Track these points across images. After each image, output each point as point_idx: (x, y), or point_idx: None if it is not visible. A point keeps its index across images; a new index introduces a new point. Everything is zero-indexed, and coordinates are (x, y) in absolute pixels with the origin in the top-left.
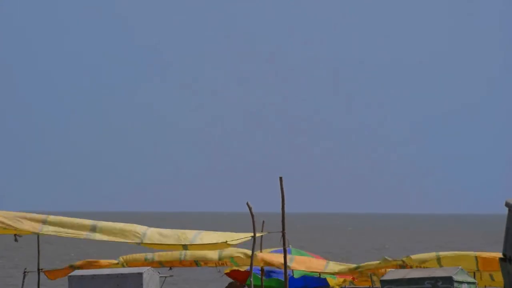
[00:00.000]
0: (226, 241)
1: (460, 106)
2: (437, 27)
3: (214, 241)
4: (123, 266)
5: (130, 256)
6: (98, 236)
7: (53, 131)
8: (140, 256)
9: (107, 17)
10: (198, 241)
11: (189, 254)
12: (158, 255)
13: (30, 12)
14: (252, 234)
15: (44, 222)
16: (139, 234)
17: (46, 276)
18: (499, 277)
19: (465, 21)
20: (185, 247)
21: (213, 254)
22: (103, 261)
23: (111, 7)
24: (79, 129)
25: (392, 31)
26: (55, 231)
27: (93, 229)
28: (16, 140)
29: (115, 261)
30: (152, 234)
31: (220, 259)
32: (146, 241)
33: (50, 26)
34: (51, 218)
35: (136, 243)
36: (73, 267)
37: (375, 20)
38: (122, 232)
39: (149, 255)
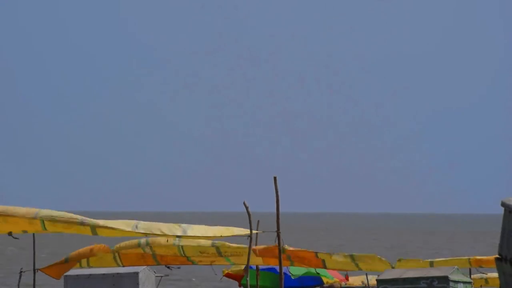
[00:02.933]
0: (221, 235)
1: (460, 107)
2: (436, 27)
3: (208, 234)
4: (115, 259)
5: (124, 243)
6: (92, 223)
7: (53, 132)
8: (134, 242)
9: (106, 16)
10: (190, 233)
11: (186, 244)
12: (152, 240)
13: (29, 12)
14: (248, 232)
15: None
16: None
17: (46, 273)
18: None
19: (464, 21)
20: (178, 237)
21: (210, 248)
22: (96, 247)
23: (111, 6)
24: (79, 129)
25: (393, 31)
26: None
27: (82, 222)
28: (15, 140)
29: (107, 247)
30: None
31: (217, 249)
32: (140, 230)
33: (49, 24)
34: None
35: (130, 231)
36: (67, 260)
37: (376, 19)
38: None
39: (143, 241)
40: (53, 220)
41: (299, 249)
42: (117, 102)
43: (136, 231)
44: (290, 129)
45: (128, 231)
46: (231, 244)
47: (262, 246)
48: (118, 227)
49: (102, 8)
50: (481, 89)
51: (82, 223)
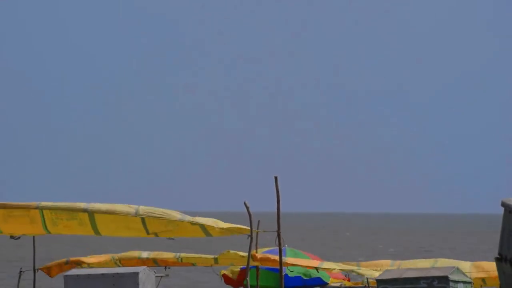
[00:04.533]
0: (222, 228)
1: (460, 107)
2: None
3: (205, 222)
4: (116, 264)
5: (123, 254)
6: (94, 208)
7: (53, 131)
8: (133, 253)
9: (107, 16)
10: (188, 219)
11: (185, 257)
12: (153, 254)
13: (30, 10)
14: (249, 232)
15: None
16: (132, 207)
17: (45, 272)
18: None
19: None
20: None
21: (209, 258)
22: (95, 257)
23: (111, 7)
24: (79, 129)
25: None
26: (52, 205)
27: (86, 208)
28: (15, 137)
29: (109, 257)
30: (143, 209)
31: (216, 262)
32: (140, 212)
33: (51, 21)
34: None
35: (131, 214)
36: (68, 263)
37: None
38: (114, 207)
39: (144, 253)
40: (55, 209)
41: (301, 259)
42: (116, 101)
43: (138, 215)
44: (291, 129)
45: (130, 217)
46: (230, 252)
47: (263, 254)
48: (120, 211)
49: (103, 8)
50: (482, 89)
51: (85, 210)
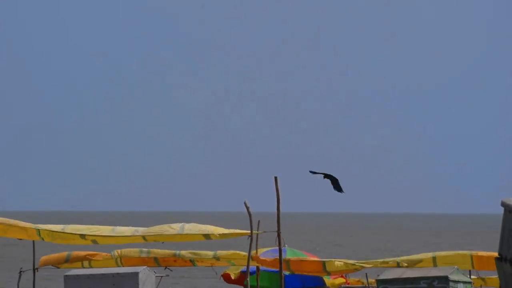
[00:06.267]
0: (223, 233)
1: (460, 107)
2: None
3: (202, 232)
4: (117, 261)
5: (125, 250)
6: (93, 238)
7: (52, 132)
8: (134, 250)
9: (108, 17)
10: (185, 232)
11: (184, 252)
12: (152, 251)
13: (31, 10)
14: (249, 232)
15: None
16: (131, 229)
17: (47, 263)
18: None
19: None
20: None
21: (208, 253)
22: (95, 254)
23: (113, 7)
24: (79, 129)
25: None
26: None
27: (83, 236)
28: (15, 140)
29: (109, 255)
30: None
31: (215, 258)
32: (139, 233)
33: (55, 20)
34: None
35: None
36: (68, 260)
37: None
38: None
39: (144, 250)
40: (53, 237)
41: (304, 258)
42: (116, 101)
43: (136, 235)
44: (291, 129)
45: (129, 236)
46: (228, 252)
47: (268, 258)
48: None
49: (103, 8)
50: (481, 89)
51: (83, 237)
